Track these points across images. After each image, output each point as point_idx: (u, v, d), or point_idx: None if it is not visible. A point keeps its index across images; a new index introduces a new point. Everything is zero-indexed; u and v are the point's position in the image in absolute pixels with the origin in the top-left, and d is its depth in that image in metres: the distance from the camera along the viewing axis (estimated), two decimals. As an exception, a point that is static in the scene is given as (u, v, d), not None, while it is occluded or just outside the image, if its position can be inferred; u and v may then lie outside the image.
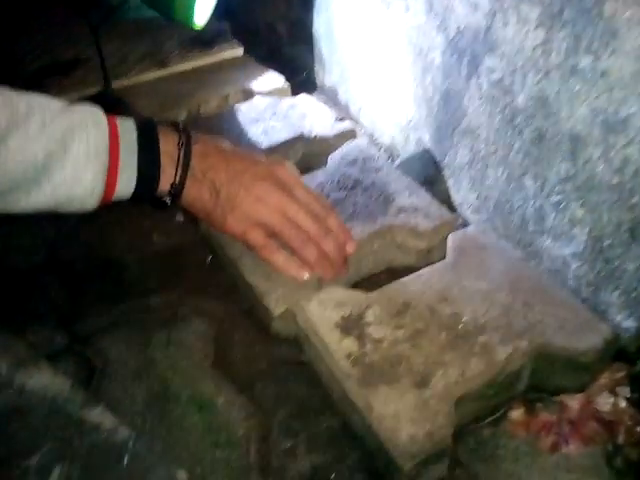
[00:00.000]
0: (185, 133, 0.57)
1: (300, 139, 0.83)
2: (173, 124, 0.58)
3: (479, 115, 0.68)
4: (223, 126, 0.86)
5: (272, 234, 0.59)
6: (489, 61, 0.64)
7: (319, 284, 0.62)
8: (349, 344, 0.54)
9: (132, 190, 0.55)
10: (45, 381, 0.54)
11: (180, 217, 0.76)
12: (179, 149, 0.55)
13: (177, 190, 0.56)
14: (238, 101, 0.93)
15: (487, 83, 0.65)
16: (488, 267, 0.61)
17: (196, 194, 0.57)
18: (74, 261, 0.71)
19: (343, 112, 0.89)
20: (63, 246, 0.73)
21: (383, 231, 0.66)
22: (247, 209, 0.57)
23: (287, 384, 0.58)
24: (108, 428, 0.51)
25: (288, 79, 0.96)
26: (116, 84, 0.95)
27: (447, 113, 0.74)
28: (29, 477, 0.46)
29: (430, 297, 0.58)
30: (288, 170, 0.60)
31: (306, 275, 0.60)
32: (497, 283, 0.59)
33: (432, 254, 0.67)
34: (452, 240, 0.64)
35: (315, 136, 0.83)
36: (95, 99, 0.92)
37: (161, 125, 0.57)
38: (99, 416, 0.52)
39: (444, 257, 0.64)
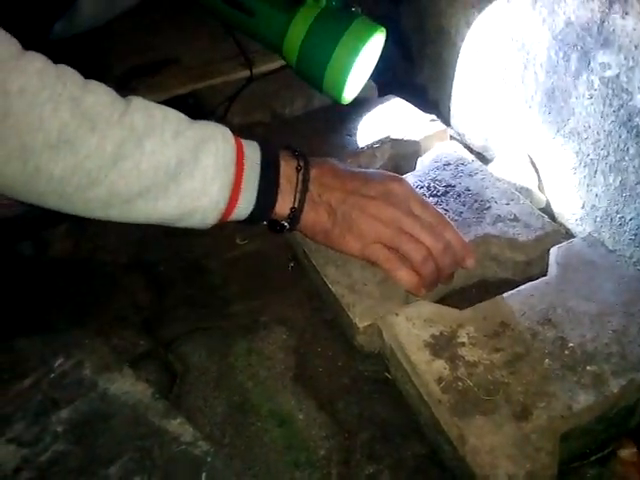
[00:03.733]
0: (303, 157, 0.58)
1: (387, 140, 0.79)
2: (291, 148, 0.59)
3: (588, 116, 0.62)
4: (309, 127, 0.84)
5: (390, 249, 0.58)
6: (603, 56, 0.58)
7: (407, 297, 0.58)
8: (440, 367, 0.50)
9: (250, 210, 0.56)
10: (127, 387, 0.54)
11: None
12: (297, 173, 0.57)
13: (296, 214, 0.57)
14: (324, 101, 0.90)
15: (599, 81, 0.59)
16: (597, 286, 0.54)
17: (315, 217, 0.58)
18: (158, 263, 0.71)
19: (433, 111, 0.85)
20: (148, 248, 0.73)
21: (477, 242, 0.61)
22: (363, 227, 0.57)
23: (371, 403, 0.55)
24: (188, 441, 0.50)
25: (373, 78, 0.93)
26: (200, 84, 0.95)
27: (550, 113, 0.68)
28: (108, 488, 0.46)
29: (531, 318, 0.52)
30: (401, 186, 0.59)
31: (424, 292, 0.58)
32: (608, 305, 0.53)
33: (531, 267, 0.61)
34: (555, 254, 0.58)
35: (403, 137, 0.79)
36: (180, 100, 0.93)
37: (282, 149, 0.58)
38: (179, 427, 0.51)
39: (544, 271, 0.59)
